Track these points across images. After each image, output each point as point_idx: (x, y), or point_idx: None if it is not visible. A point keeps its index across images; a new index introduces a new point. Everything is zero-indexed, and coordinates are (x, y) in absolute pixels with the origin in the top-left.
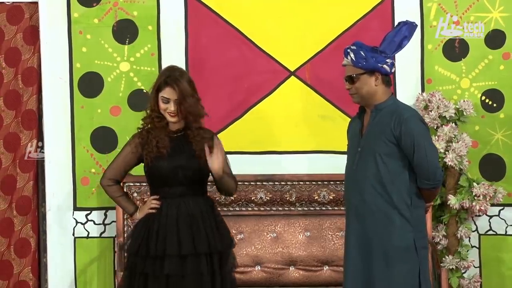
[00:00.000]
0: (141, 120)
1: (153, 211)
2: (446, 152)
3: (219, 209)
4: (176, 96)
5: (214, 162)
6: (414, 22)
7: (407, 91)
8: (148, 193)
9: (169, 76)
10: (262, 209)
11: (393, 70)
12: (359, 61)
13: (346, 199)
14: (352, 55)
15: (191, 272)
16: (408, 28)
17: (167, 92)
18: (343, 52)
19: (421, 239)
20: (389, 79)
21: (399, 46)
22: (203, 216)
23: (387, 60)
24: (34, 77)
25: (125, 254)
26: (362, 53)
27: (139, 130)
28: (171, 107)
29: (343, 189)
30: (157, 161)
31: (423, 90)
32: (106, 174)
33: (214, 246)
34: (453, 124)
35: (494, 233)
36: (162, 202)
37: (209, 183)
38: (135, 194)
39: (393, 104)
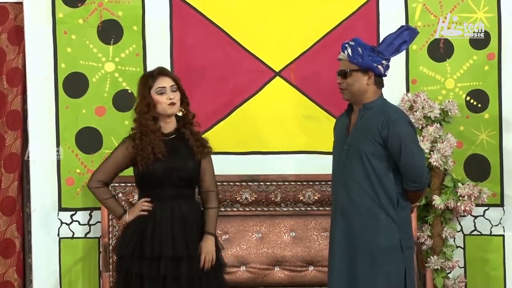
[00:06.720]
0: (132, 127)
1: (145, 213)
2: (431, 153)
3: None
4: (172, 82)
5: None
6: (416, 29)
7: (392, 91)
8: (133, 194)
9: (155, 70)
10: (247, 209)
11: (387, 73)
12: (355, 57)
13: (333, 197)
14: (349, 50)
15: (185, 274)
16: (409, 33)
17: (161, 81)
18: (341, 46)
19: (407, 239)
20: (381, 81)
21: (397, 50)
22: (196, 219)
23: (383, 62)
24: (18, 78)
25: (114, 256)
26: (360, 50)
27: (131, 135)
28: (169, 94)
29: (329, 189)
30: (152, 165)
31: (408, 90)
32: (95, 177)
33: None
34: (438, 124)
35: (479, 233)
36: (154, 204)
37: None
38: (120, 195)
39: (382, 104)
